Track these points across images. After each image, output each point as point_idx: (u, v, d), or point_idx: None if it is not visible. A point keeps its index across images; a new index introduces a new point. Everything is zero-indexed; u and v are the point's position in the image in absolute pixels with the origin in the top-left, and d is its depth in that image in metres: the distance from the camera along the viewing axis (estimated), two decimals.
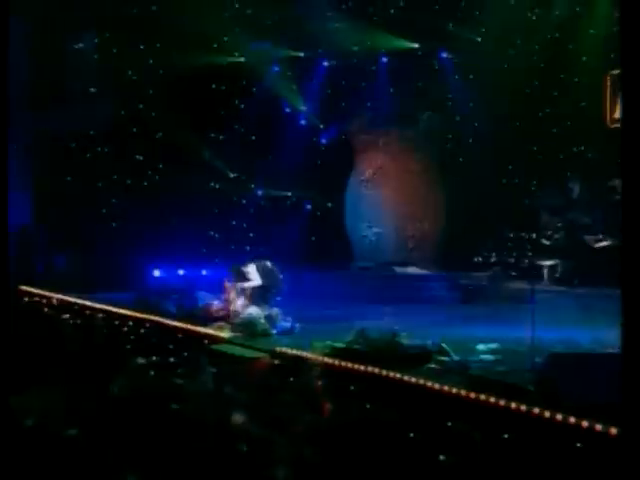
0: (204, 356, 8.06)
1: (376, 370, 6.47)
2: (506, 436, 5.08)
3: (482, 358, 7.51)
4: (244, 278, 10.50)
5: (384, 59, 17.22)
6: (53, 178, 16.26)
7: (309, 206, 17.96)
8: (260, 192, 17.71)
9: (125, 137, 16.06)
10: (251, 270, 10.53)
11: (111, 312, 11.69)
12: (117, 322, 11.40)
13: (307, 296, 13.25)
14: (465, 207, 16.11)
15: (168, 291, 12.18)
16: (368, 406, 6.00)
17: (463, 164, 16.90)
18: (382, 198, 16.57)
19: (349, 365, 6.77)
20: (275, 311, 9.90)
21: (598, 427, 4.53)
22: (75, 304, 12.75)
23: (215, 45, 16.55)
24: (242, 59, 16.89)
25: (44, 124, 16.24)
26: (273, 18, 16.30)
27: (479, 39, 16.42)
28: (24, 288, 14.69)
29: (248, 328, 9.42)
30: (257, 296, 10.33)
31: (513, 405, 5.20)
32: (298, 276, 14.96)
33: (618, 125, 15.28)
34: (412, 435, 5.35)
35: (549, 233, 15.27)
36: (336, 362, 6.90)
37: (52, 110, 16.14)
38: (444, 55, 17.18)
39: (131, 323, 11.11)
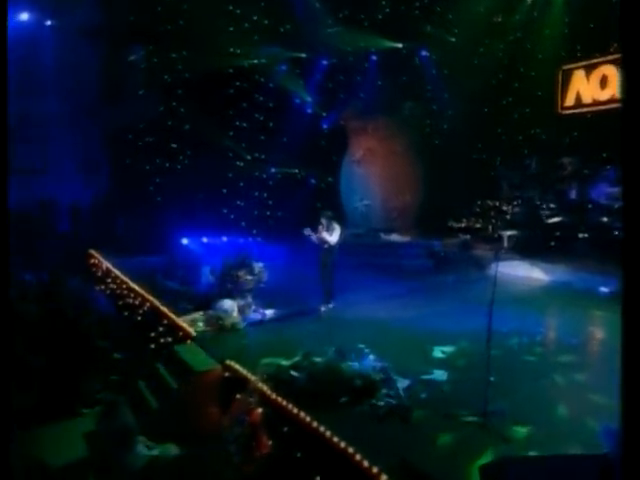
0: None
1: (307, 419, 4.77)
2: None
3: (434, 378, 5.78)
4: (328, 230, 8.69)
5: (374, 57, 15.70)
6: (117, 162, 15.67)
7: (313, 180, 16.62)
8: (273, 169, 16.37)
9: (162, 129, 14.89)
10: (337, 232, 8.76)
11: (127, 286, 10.32)
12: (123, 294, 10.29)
13: (302, 264, 11.91)
14: (440, 182, 14.73)
15: (176, 266, 10.68)
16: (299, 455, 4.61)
17: (439, 146, 15.41)
18: (371, 175, 15.23)
19: (283, 403, 5.11)
20: (249, 302, 8.30)
21: None
22: (109, 270, 11.64)
23: (238, 50, 15.12)
24: (256, 61, 15.37)
25: (111, 121, 15.52)
26: (283, 26, 14.65)
27: (453, 39, 14.71)
28: (91, 252, 13.85)
29: (218, 322, 7.74)
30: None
31: None
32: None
33: (568, 112, 13.77)
34: None
35: (509, 205, 13.97)
36: (272, 396, 5.28)
37: (115, 109, 15.36)
38: (424, 53, 15.64)
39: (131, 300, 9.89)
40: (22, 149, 14.72)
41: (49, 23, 14.63)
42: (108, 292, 11.36)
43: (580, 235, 11.95)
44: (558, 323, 8.20)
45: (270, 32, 14.79)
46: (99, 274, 12.67)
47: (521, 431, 4.60)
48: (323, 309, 8.66)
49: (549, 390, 5.52)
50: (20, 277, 11.45)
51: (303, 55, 15.80)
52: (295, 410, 4.99)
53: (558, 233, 12.35)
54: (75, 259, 13.06)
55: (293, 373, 5.58)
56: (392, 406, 5.04)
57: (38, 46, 14.56)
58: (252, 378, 5.72)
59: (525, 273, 11.30)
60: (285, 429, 5.05)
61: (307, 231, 8.68)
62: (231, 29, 14.54)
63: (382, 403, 5.11)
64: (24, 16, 14.07)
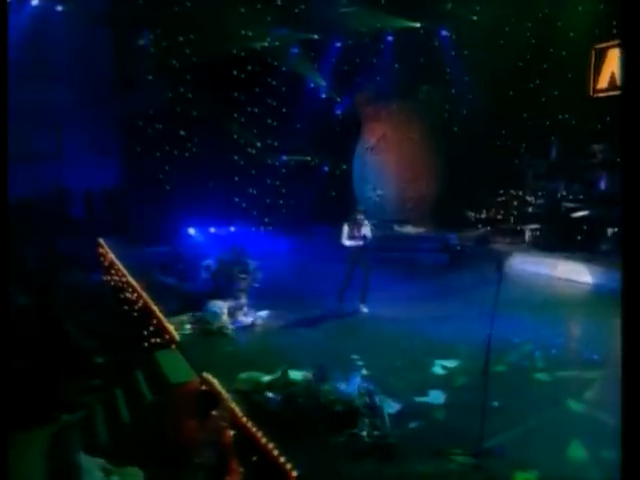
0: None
1: (275, 452, 4.08)
2: None
3: (429, 401, 5.11)
4: (359, 227, 8.05)
5: (390, 38, 14.82)
6: (129, 149, 15.31)
7: (326, 168, 15.88)
8: (286, 157, 15.70)
9: (172, 115, 14.37)
10: (368, 228, 8.17)
11: (126, 280, 9.59)
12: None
13: (312, 258, 11.22)
14: (459, 171, 13.75)
15: (178, 259, 10.07)
16: None
17: (458, 132, 14.42)
18: (385, 163, 14.33)
19: (252, 430, 4.41)
20: (242, 303, 7.61)
21: None
22: (113, 262, 11.07)
23: (250, 33, 14.39)
24: (267, 44, 14.64)
25: (121, 107, 15.04)
26: (297, 6, 13.82)
27: (475, 18, 13.59)
28: (100, 241, 13.41)
29: (206, 325, 7.14)
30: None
31: None
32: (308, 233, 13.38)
33: (600, 94, 12.58)
34: None
35: (532, 196, 12.96)
36: (243, 419, 4.58)
37: (125, 95, 15.00)
38: (443, 33, 14.62)
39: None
40: (35, 134, 14.50)
41: (60, 9, 14.25)
42: (112, 284, 10.94)
43: (609, 230, 10.88)
44: (579, 333, 7.31)
45: (282, 13, 13.98)
46: (106, 264, 12.27)
47: (524, 478, 3.83)
48: (365, 310, 8.04)
49: (562, 421, 4.69)
50: (27, 265, 11.13)
51: (316, 37, 14.99)
52: (263, 439, 4.33)
53: (585, 227, 11.30)
54: (86, 247, 12.72)
55: (268, 394, 4.91)
56: (375, 439, 4.32)
57: (49, 31, 14.21)
58: (226, 395, 5.10)
59: (547, 271, 10.36)
60: (254, 458, 4.42)
61: (348, 241, 8.05)
62: (242, 10, 13.80)
63: (364, 434, 4.40)
64: (34, 1, 13.69)
